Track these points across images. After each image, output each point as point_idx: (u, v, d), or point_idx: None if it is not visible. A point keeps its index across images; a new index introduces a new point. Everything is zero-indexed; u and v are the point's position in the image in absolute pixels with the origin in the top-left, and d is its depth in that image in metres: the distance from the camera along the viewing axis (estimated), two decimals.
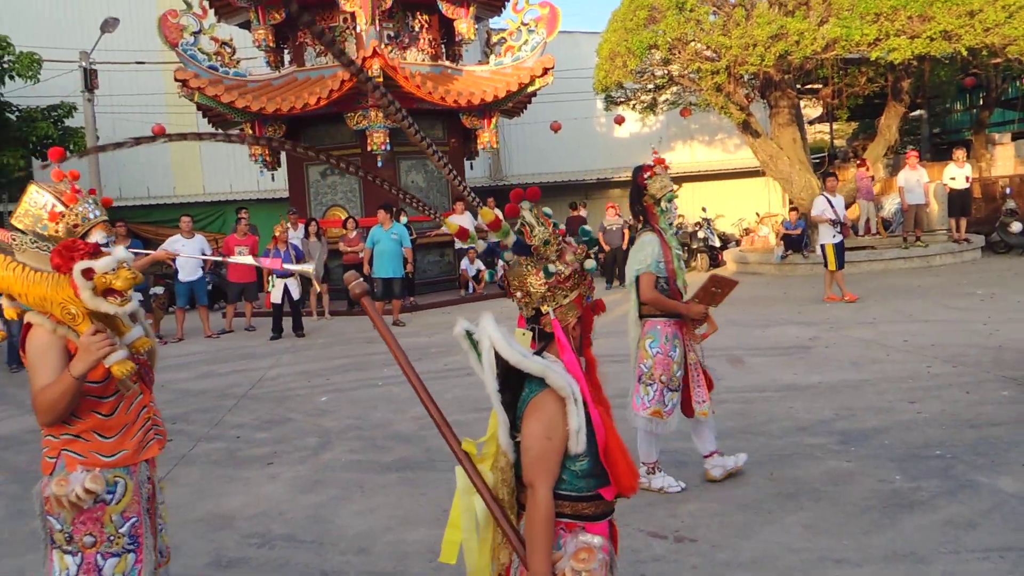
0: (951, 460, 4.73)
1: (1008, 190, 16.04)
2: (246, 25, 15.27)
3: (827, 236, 11.13)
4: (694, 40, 14.38)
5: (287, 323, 11.69)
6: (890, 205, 16.91)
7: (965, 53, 13.26)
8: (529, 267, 2.06)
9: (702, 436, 4.73)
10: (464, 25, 15.02)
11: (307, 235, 13.06)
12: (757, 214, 20.55)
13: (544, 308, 2.06)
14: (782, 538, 3.89)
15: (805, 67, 15.06)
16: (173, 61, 14.58)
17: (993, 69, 16.23)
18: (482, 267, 14.77)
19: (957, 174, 14.92)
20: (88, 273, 2.26)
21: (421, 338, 10.48)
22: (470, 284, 14.94)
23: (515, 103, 15.95)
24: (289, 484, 5.19)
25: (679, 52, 14.54)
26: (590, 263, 2.12)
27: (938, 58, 14.19)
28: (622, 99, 17.78)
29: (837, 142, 27.08)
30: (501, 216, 2.04)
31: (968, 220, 15.12)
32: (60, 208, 2.47)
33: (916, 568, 3.50)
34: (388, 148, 13.58)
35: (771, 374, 7.27)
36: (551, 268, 2.05)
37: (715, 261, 17.82)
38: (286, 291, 11.54)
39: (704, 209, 19.01)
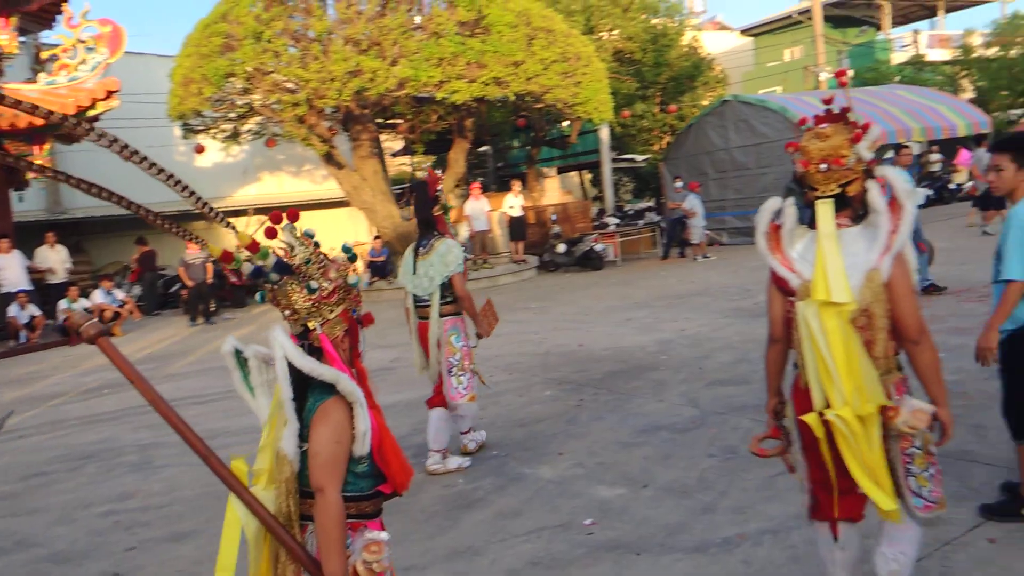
0: (504, 458, 5.38)
1: (554, 216, 18.79)
2: None
3: None
4: (274, 71, 14.36)
5: None
6: (463, 232, 18.71)
7: (513, 98, 15.24)
8: (293, 286, 2.16)
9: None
10: (5, 37, 13.12)
11: None
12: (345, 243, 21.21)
13: (311, 324, 2.15)
14: None
15: (383, 103, 15.95)
16: None
17: (538, 112, 18.88)
18: (37, 312, 12.94)
19: (514, 203, 17.08)
20: None
21: None
22: (21, 333, 12.97)
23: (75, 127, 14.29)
24: None
25: (258, 82, 14.40)
26: (353, 278, 2.21)
27: (493, 101, 16.07)
28: (201, 127, 17.02)
29: (418, 174, 29.15)
30: (258, 239, 2.09)
31: (525, 243, 17.37)
32: None
33: (472, 560, 3.91)
34: None
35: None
36: (313, 285, 2.15)
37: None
38: None
39: None
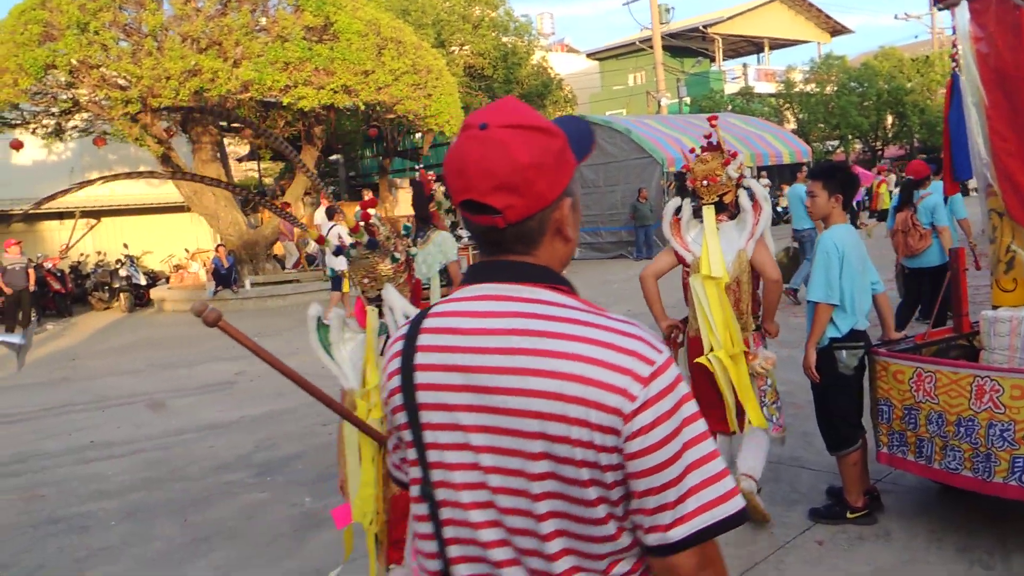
0: None
1: (407, 227, 18.60)
2: None
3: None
4: (102, 65, 13.35)
5: None
6: (314, 241, 18.17)
7: (363, 107, 14.98)
8: (377, 257, 2.81)
9: None
10: None
11: None
12: (186, 250, 20.01)
13: (388, 286, 2.80)
14: None
15: (226, 105, 15.22)
16: None
17: (389, 123, 18.68)
18: None
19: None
20: None
21: None
22: None
23: None
24: None
25: (84, 76, 13.34)
26: (413, 250, 2.99)
27: (342, 109, 15.72)
28: (19, 121, 15.55)
29: (266, 180, 28.06)
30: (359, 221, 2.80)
31: None
32: None
33: None
34: None
35: (194, 414, 7.09)
36: (396, 256, 2.86)
37: (141, 300, 16.79)
38: None
39: (126, 245, 17.81)
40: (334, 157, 24.55)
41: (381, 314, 2.80)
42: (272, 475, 5.31)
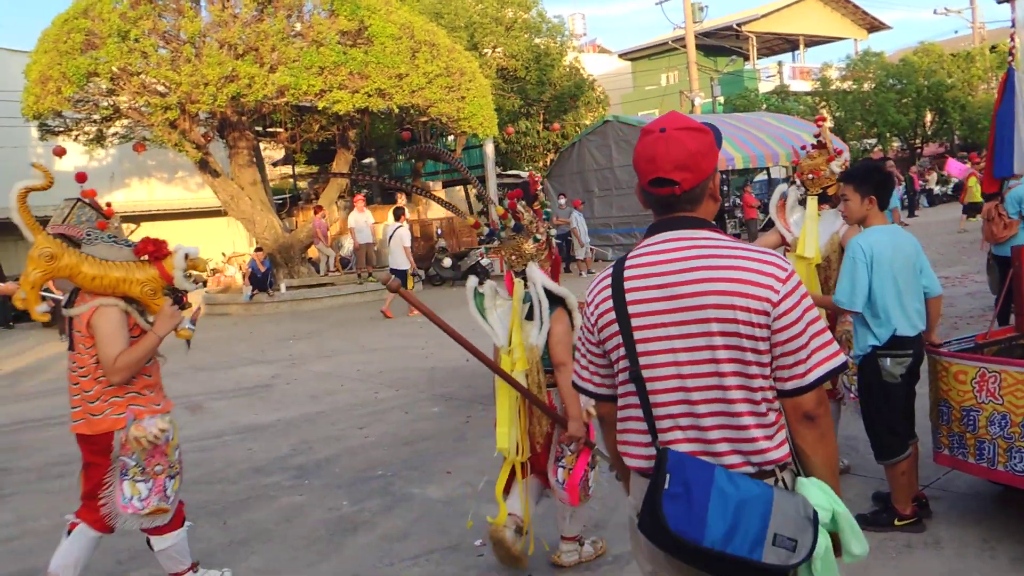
0: (391, 478, 5.19)
1: (439, 231, 18.66)
2: None
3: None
4: (142, 72, 13.58)
5: None
6: (348, 244, 18.28)
7: (397, 110, 15.05)
8: (522, 238, 3.48)
9: None
10: None
11: None
12: (223, 254, 20.28)
13: (532, 263, 3.44)
14: None
15: (262, 110, 15.39)
16: None
17: (422, 126, 18.74)
18: None
19: None
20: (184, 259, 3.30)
21: None
22: None
23: None
24: None
25: (125, 83, 13.58)
26: (553, 231, 3.82)
27: (376, 113, 15.82)
28: (61, 128, 15.88)
29: (300, 184, 28.33)
30: (505, 209, 3.53)
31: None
32: (102, 220, 3.34)
33: None
34: None
35: (232, 417, 7.15)
36: (538, 236, 3.52)
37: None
38: None
39: None
40: (367, 160, 24.70)
41: (525, 285, 3.43)
42: (309, 478, 5.32)
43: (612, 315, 1.82)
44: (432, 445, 5.83)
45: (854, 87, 30.33)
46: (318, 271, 17.66)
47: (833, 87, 30.84)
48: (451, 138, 20.85)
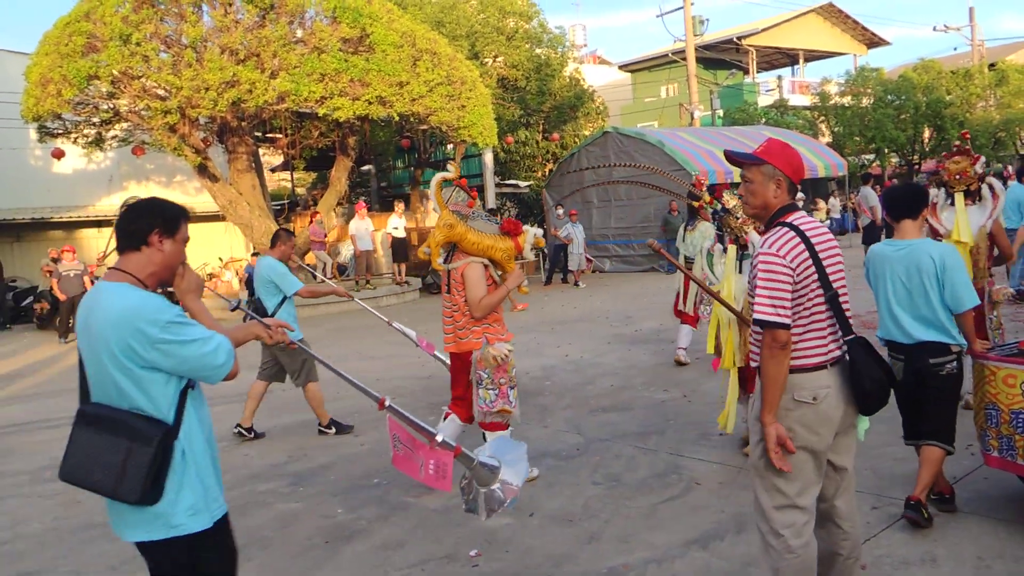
0: (387, 486, 5.17)
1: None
2: None
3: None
4: (143, 76, 13.58)
5: None
6: (346, 251, 18.27)
7: (397, 118, 15.07)
8: (730, 217, 5.03)
9: None
10: None
11: None
12: (220, 259, 20.25)
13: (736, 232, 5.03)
14: None
15: (262, 116, 15.39)
16: None
17: (422, 134, 18.80)
18: None
19: (398, 224, 16.85)
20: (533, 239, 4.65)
21: None
22: None
23: None
24: None
25: (125, 86, 13.58)
26: (736, 209, 5.04)
27: (376, 120, 15.84)
28: (60, 131, 15.87)
29: (298, 190, 28.35)
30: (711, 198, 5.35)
31: (407, 265, 17.13)
32: (471, 200, 4.78)
33: None
34: None
35: (229, 422, 7.10)
36: (738, 215, 4.98)
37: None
38: None
39: None
40: (366, 167, 24.72)
41: (737, 248, 4.96)
42: (304, 485, 5.31)
43: (809, 261, 2.69)
44: None
45: (853, 102, 30.43)
46: (315, 277, 17.63)
47: (832, 102, 30.94)
48: (450, 146, 20.90)
